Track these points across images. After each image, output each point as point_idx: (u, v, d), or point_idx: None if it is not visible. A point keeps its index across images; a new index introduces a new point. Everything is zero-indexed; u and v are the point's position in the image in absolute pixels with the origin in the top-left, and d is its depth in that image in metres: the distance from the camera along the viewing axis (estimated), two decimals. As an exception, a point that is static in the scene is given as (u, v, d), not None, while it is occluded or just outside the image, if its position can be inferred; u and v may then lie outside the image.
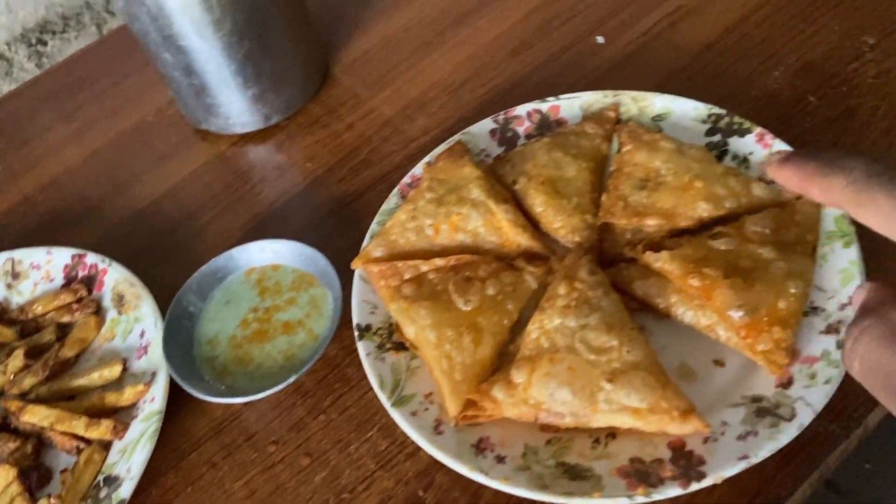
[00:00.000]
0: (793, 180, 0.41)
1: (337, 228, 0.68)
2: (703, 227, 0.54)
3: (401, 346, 0.54)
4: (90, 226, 0.74)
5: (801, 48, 0.67)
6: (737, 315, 0.47)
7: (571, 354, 0.48)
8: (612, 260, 0.56)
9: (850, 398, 0.46)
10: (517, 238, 0.57)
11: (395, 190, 0.63)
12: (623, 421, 0.46)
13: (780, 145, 0.57)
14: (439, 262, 0.56)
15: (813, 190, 0.39)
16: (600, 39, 0.75)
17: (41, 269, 0.66)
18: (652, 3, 0.76)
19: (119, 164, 0.80)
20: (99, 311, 0.63)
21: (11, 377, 0.59)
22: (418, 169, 0.64)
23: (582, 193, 0.59)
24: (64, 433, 0.55)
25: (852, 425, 0.46)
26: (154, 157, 0.79)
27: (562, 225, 0.57)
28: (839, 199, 0.37)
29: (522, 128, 0.66)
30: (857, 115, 0.61)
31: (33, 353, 0.60)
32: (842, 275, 0.49)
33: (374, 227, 0.61)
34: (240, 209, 0.72)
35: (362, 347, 0.54)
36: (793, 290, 0.48)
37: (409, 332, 0.53)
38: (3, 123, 0.89)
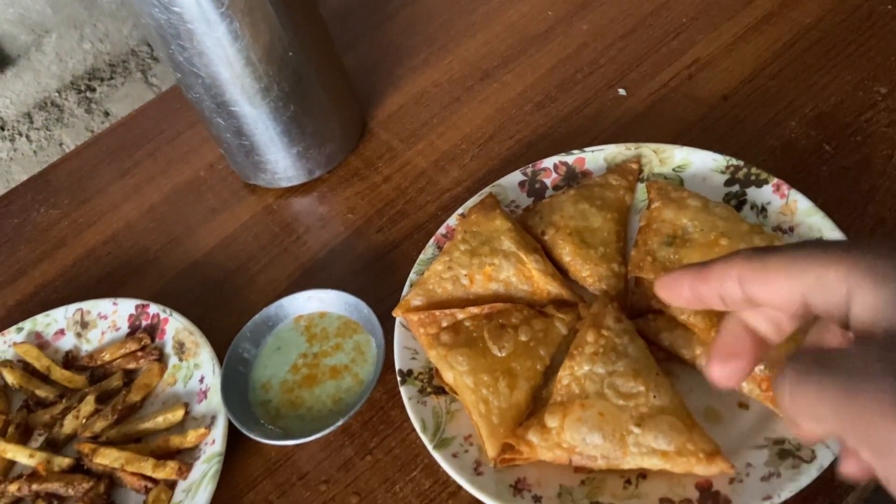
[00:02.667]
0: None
1: (377, 277, 0.72)
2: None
3: (440, 391, 0.58)
4: (149, 277, 0.80)
5: (816, 99, 0.71)
6: (758, 368, 0.50)
7: (601, 400, 0.51)
8: (640, 311, 0.59)
9: (868, 439, 0.49)
10: (547, 286, 0.61)
11: (432, 241, 0.68)
12: (652, 463, 0.49)
13: (796, 195, 0.60)
14: (474, 310, 0.60)
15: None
16: (622, 92, 0.79)
17: (108, 319, 0.72)
18: (670, 56, 0.80)
19: (174, 218, 0.86)
20: (161, 358, 0.68)
21: (84, 421, 0.64)
22: (452, 220, 0.69)
23: (608, 243, 0.62)
24: (133, 473, 0.59)
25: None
26: (206, 210, 0.85)
27: (589, 273, 0.61)
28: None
29: (549, 179, 0.70)
30: (871, 164, 0.64)
31: (103, 398, 0.66)
32: (857, 320, 0.52)
33: (412, 276, 0.66)
34: (286, 259, 0.77)
35: (405, 392, 0.58)
36: (811, 339, 0.51)
37: (448, 377, 0.57)
38: (67, 181, 0.96)
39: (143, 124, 1.01)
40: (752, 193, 0.62)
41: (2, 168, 2.93)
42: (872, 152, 0.65)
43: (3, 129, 2.94)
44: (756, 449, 0.49)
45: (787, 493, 0.45)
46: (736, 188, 0.63)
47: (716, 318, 0.53)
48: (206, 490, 0.56)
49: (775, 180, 0.61)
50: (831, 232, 0.57)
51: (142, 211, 0.88)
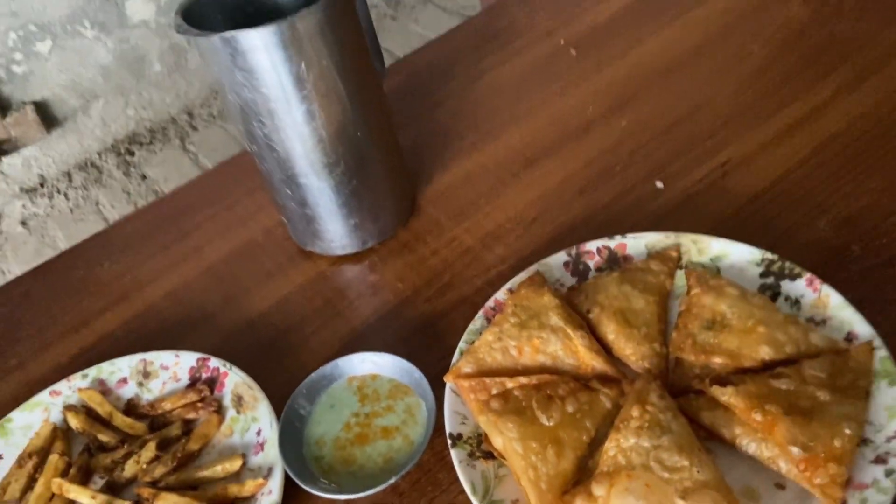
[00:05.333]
0: None
1: (425, 344, 0.76)
2: (765, 368, 0.61)
3: (489, 455, 0.61)
4: (207, 333, 0.84)
5: (844, 201, 0.76)
6: (796, 450, 0.54)
7: (647, 472, 0.54)
8: (681, 391, 0.63)
9: (901, 524, 0.51)
10: (592, 361, 0.65)
11: (480, 313, 0.72)
12: (695, 535, 0.52)
13: (829, 290, 0.64)
14: (523, 379, 0.64)
15: None
16: (659, 184, 0.85)
17: (169, 370, 0.76)
18: (704, 154, 0.87)
19: (231, 278, 0.91)
20: (220, 410, 0.72)
21: (144, 466, 0.67)
22: (500, 294, 0.73)
23: (650, 324, 0.67)
24: (191, 520, 0.62)
25: (905, 550, 0.51)
26: (262, 273, 0.90)
27: (632, 352, 0.65)
28: None
29: (593, 262, 0.75)
30: (896, 264, 0.69)
31: (162, 446, 0.69)
32: (888, 411, 0.55)
33: (462, 345, 0.70)
34: (338, 322, 0.82)
35: (455, 455, 0.61)
36: (847, 431, 0.54)
37: (498, 442, 0.61)
38: (130, 239, 1.02)
39: (203, 190, 1.08)
40: (786, 286, 0.67)
41: (38, 223, 3.02)
42: (898, 254, 0.70)
43: (42, 187, 3.04)
44: (794, 528, 0.52)
45: (827, 572, 0.48)
46: (771, 280, 0.68)
47: (754, 400, 0.56)
48: (263, 540, 0.59)
49: (808, 275, 0.66)
50: (862, 326, 0.61)
51: (200, 270, 0.94)
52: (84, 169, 2.95)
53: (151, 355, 0.78)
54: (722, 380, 0.60)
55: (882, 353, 0.59)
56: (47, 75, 2.62)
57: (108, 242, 1.03)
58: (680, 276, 0.72)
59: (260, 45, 0.67)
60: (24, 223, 2.66)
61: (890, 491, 0.51)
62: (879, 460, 0.53)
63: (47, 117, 2.68)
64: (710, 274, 0.69)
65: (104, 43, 2.68)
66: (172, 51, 2.83)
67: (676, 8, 1.12)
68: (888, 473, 0.52)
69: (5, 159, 2.67)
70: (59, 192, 2.96)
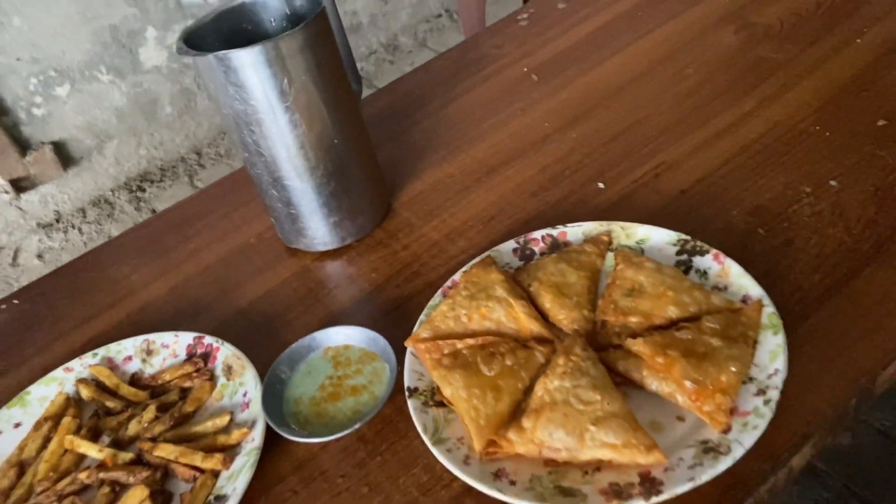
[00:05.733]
0: None
1: (393, 322, 0.87)
2: (672, 325, 0.72)
3: (440, 404, 0.71)
4: (204, 320, 0.95)
5: (755, 194, 0.88)
6: (689, 384, 0.64)
7: (566, 406, 0.65)
8: (604, 347, 0.73)
9: (777, 445, 0.61)
10: (530, 325, 0.75)
11: (438, 292, 0.83)
12: (604, 454, 0.61)
13: (730, 263, 0.75)
14: (470, 341, 0.75)
15: None
16: (601, 185, 0.97)
17: (170, 348, 0.87)
18: (641, 159, 0.99)
19: (226, 275, 1.02)
20: (212, 378, 0.82)
21: (145, 425, 0.78)
22: (457, 276, 0.85)
23: (581, 294, 0.78)
24: (185, 465, 0.72)
25: (779, 465, 0.60)
26: (254, 269, 1.02)
27: (564, 317, 0.76)
28: None
29: (538, 248, 0.87)
30: (793, 244, 0.80)
31: (162, 409, 0.79)
32: (770, 354, 0.66)
33: (422, 317, 0.81)
34: (319, 308, 0.93)
35: (412, 404, 0.71)
36: (733, 369, 0.64)
37: (447, 391, 0.71)
38: (137, 244, 1.14)
39: (204, 202, 1.20)
40: (697, 261, 0.78)
41: (53, 256, 3.15)
42: (795, 236, 0.81)
43: (58, 222, 3.19)
44: (687, 448, 0.62)
45: (707, 477, 0.58)
46: (685, 257, 0.79)
47: (658, 348, 0.67)
48: (246, 476, 0.69)
49: (714, 251, 0.77)
50: (755, 289, 0.72)
51: (199, 269, 1.05)
52: (98, 205, 3.10)
53: (154, 336, 0.89)
54: (635, 335, 0.70)
55: (770, 309, 0.69)
56: (65, 117, 2.80)
57: (117, 248, 1.14)
58: (610, 257, 0.83)
59: (248, 62, 0.80)
60: (40, 256, 2.80)
61: (766, 415, 0.61)
62: (760, 392, 0.63)
63: (64, 157, 2.85)
64: (634, 254, 0.80)
65: (119, 87, 2.86)
66: (182, 94, 3.02)
67: (627, 37, 1.26)
68: (766, 402, 0.62)
69: (24, 196, 2.83)
70: (73, 226, 3.11)
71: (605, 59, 1.23)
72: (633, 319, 0.73)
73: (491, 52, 1.36)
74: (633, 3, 1.36)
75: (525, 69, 1.27)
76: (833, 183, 0.86)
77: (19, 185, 2.79)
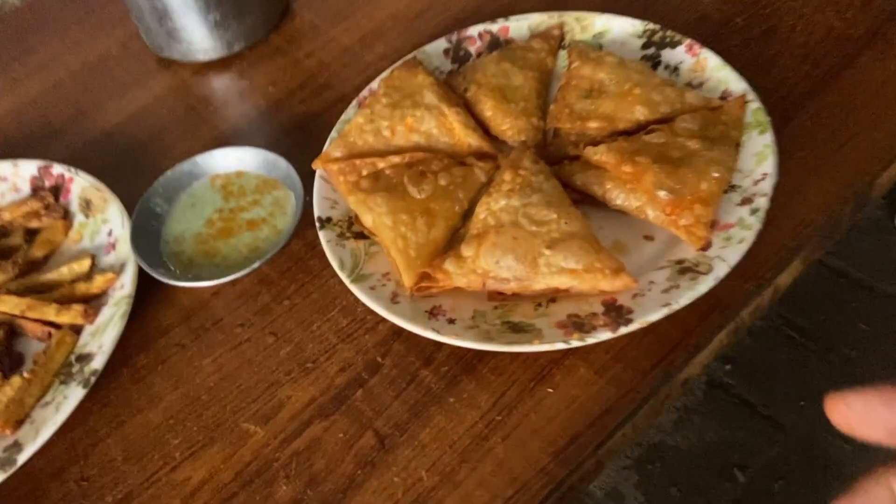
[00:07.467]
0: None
1: (298, 143, 0.71)
2: (640, 130, 0.59)
3: (360, 236, 0.58)
4: (54, 147, 0.76)
5: (729, -23, 0.73)
6: (663, 194, 0.53)
7: (515, 228, 0.52)
8: (557, 161, 0.60)
9: (762, 261, 0.52)
10: (467, 139, 0.61)
11: (354, 102, 0.67)
12: (561, 281, 0.50)
13: (707, 53, 0.62)
14: (395, 159, 0.60)
15: None
16: (547, -27, 0.80)
17: (7, 181, 0.68)
18: (594, -60, 0.81)
19: (81, 93, 0.81)
20: (66, 217, 0.65)
21: (-20, 275, 0.61)
22: (375, 84, 0.68)
23: (528, 99, 0.63)
24: (35, 320, 0.57)
25: (763, 285, 0.51)
26: (117, 87, 0.81)
27: (509, 127, 0.62)
28: None
29: (474, 48, 0.70)
30: (777, 33, 0.67)
31: (2, 255, 0.62)
32: (756, 157, 0.55)
33: (333, 134, 0.65)
34: (203, 129, 0.74)
35: (323, 236, 0.57)
36: (715, 175, 0.53)
37: (367, 220, 0.57)
38: (-37, 57, 0.89)
39: (47, 5, 0.94)
40: (667, 55, 0.64)
41: None
42: (778, 23, 0.68)
43: None
44: (658, 270, 0.51)
45: (686, 300, 0.48)
46: (651, 51, 0.65)
47: (625, 155, 0.54)
48: (115, 328, 0.54)
49: (688, 41, 0.63)
50: (737, 83, 0.59)
51: (46, 86, 0.83)
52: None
53: (-15, 166, 0.69)
54: (596, 142, 0.57)
55: (755, 105, 0.57)
56: None
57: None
58: (563, 56, 0.68)
59: None
60: None
61: (753, 226, 0.50)
62: (745, 201, 0.52)
63: None
64: (592, 48, 0.65)
65: None
66: None
67: None
68: (753, 211, 0.51)
69: None
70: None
71: None
72: (593, 125, 0.59)
73: None
74: None
75: None
76: (821, -37, 0.72)
77: None
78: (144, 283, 0.59)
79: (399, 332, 0.54)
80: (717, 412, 1.32)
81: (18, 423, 0.51)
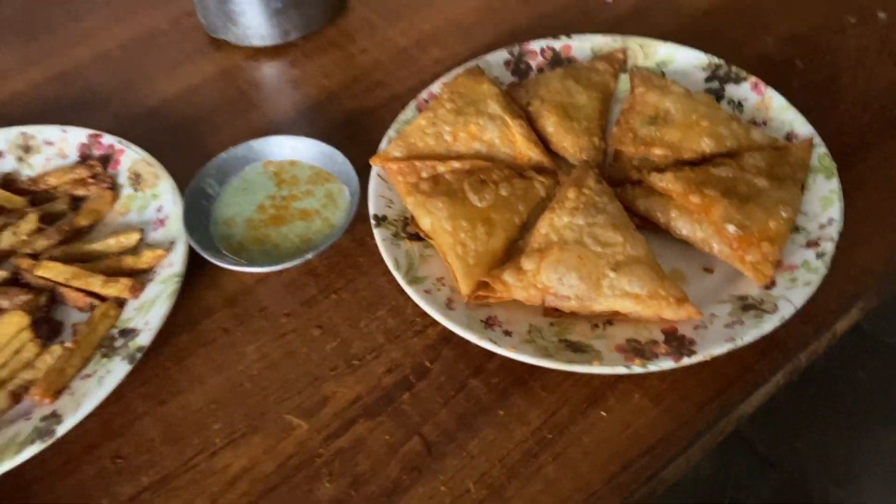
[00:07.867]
0: None
1: (350, 137, 0.70)
2: (703, 161, 0.59)
3: (415, 237, 0.57)
4: (100, 116, 0.74)
5: (790, 20, 0.74)
6: (731, 228, 0.53)
7: (580, 246, 0.52)
8: (618, 183, 0.60)
9: (821, 306, 0.52)
10: (529, 152, 0.61)
11: (412, 104, 0.67)
12: (623, 305, 0.50)
13: (772, 93, 0.63)
14: (456, 164, 0.60)
15: None
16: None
17: (55, 146, 0.67)
18: (657, -31, 0.82)
19: (130, 66, 0.80)
20: (114, 187, 0.64)
21: (24, 237, 0.59)
22: (436, 87, 0.68)
23: (591, 118, 0.63)
24: (79, 290, 0.56)
25: (823, 329, 0.52)
26: (167, 62, 0.80)
27: (571, 144, 0.62)
28: None
29: (535, 62, 0.70)
30: (838, 81, 0.68)
31: (46, 220, 0.61)
32: (822, 201, 0.55)
33: (390, 133, 0.65)
34: (254, 114, 0.74)
35: (379, 234, 0.57)
36: (783, 214, 0.53)
37: (425, 223, 0.57)
38: (14, 17, 0.88)
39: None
40: (730, 90, 0.65)
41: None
42: (840, 71, 0.69)
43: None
44: (720, 303, 0.52)
45: (751, 338, 0.48)
46: (715, 84, 0.66)
47: (693, 185, 0.55)
48: (163, 307, 0.53)
49: (753, 78, 0.64)
50: (803, 126, 0.60)
51: (94, 55, 0.82)
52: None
53: (33, 129, 0.68)
54: (659, 169, 0.57)
55: (821, 150, 0.58)
56: None
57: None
58: (624, 80, 0.68)
59: None
60: None
61: (819, 270, 0.51)
62: (811, 244, 0.53)
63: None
64: (656, 75, 0.66)
65: None
66: None
67: None
68: (819, 255, 0.52)
69: None
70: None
71: None
72: (657, 151, 0.59)
73: None
74: None
75: None
76: (882, 15, 0.73)
77: None
78: (190, 263, 0.58)
79: (448, 338, 0.54)
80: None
81: (58, 394, 0.50)
